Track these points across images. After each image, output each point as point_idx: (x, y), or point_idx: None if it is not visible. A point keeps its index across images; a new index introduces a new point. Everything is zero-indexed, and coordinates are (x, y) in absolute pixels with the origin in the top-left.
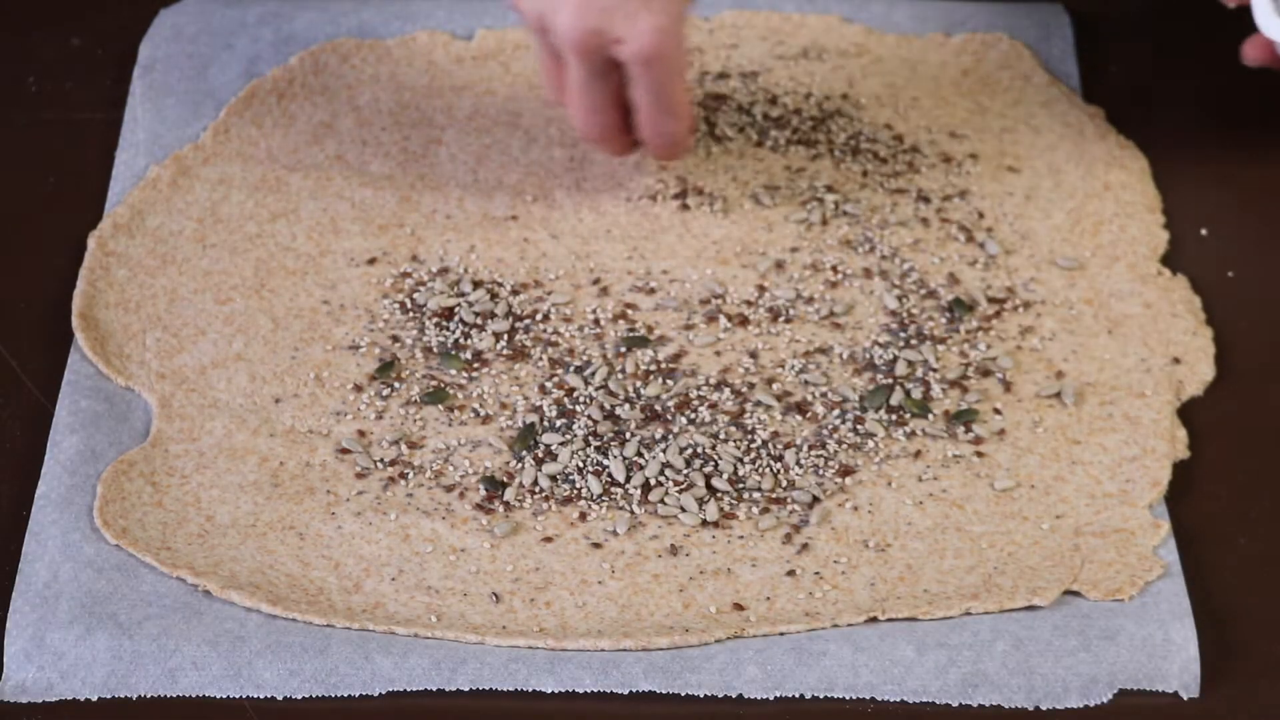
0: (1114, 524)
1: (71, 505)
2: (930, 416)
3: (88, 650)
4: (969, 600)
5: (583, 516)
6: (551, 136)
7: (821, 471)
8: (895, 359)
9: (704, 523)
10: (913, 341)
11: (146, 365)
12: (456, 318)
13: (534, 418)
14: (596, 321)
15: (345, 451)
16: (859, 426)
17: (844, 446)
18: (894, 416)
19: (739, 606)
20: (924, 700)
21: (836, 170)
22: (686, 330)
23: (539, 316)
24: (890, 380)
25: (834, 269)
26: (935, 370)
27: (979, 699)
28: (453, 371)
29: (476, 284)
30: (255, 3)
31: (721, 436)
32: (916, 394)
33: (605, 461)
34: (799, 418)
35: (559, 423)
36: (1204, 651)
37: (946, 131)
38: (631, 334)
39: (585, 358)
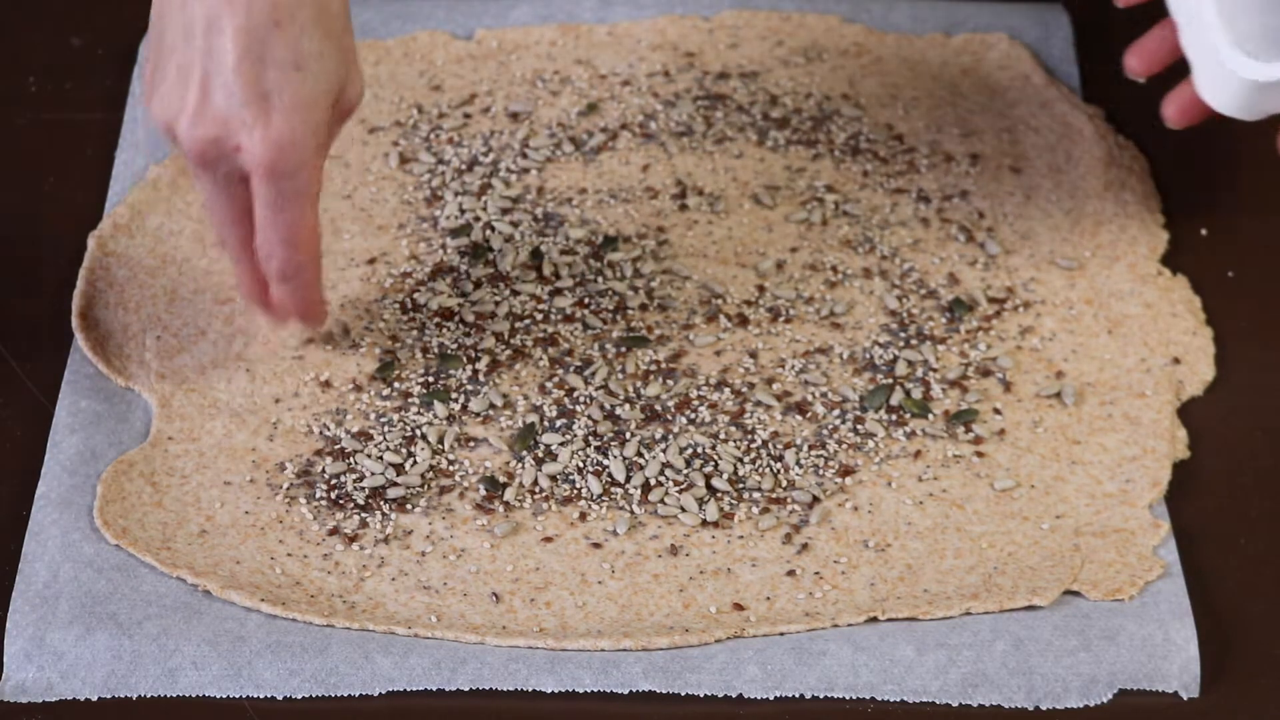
0: (1114, 524)
1: (71, 505)
2: (930, 416)
3: (88, 650)
4: (969, 600)
5: (583, 516)
6: (555, 134)
7: (821, 471)
8: (895, 359)
9: (704, 523)
10: (913, 341)
11: (146, 365)
12: (456, 318)
13: (534, 418)
14: (597, 321)
15: (345, 452)
16: (859, 426)
17: (844, 446)
18: (894, 416)
19: (739, 606)
20: (924, 700)
21: (836, 170)
22: (686, 330)
23: (539, 317)
24: (890, 380)
25: (834, 269)
26: (935, 370)
27: (979, 699)
28: (453, 372)
29: (477, 284)
30: None
31: (721, 436)
32: (916, 394)
33: (605, 461)
34: (799, 418)
35: (559, 423)
36: (1204, 651)
37: (946, 131)
38: (631, 334)
39: (585, 358)
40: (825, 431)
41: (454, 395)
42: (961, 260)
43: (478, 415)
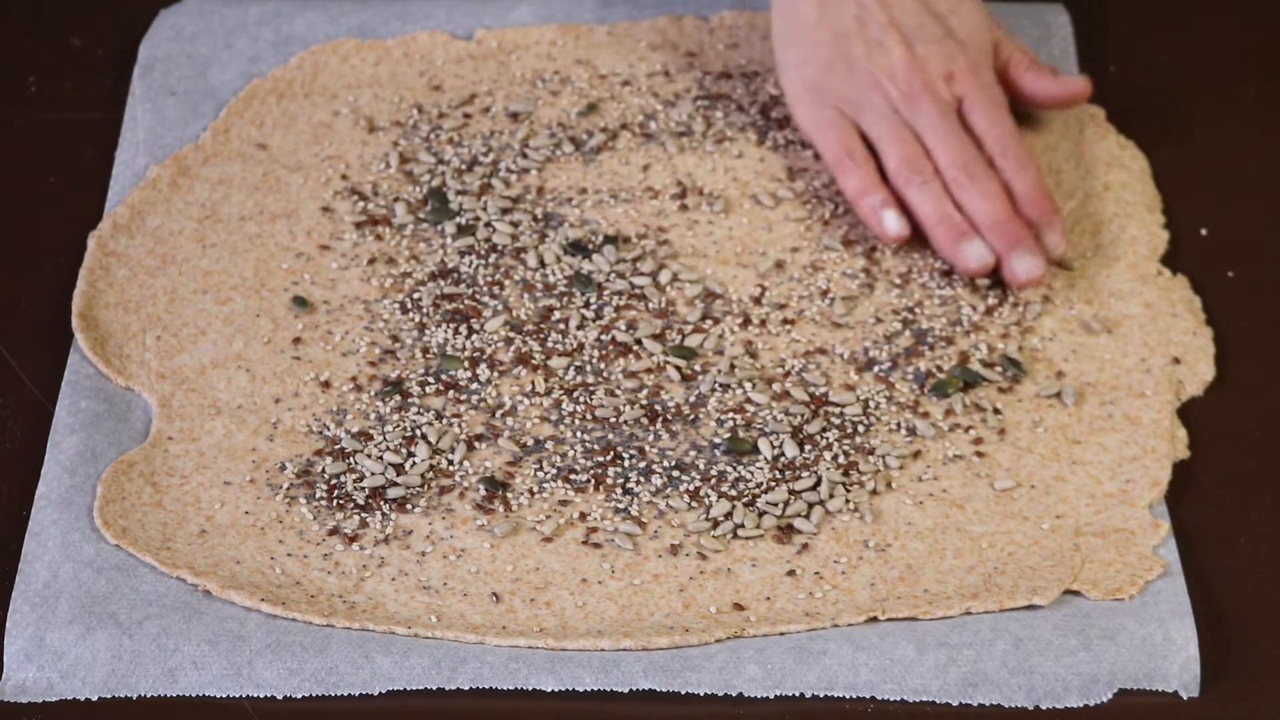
0: (1114, 524)
1: (71, 505)
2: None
3: (88, 650)
4: (969, 600)
5: (583, 516)
6: (555, 134)
7: (822, 471)
8: (896, 359)
9: (704, 522)
10: (913, 341)
11: (146, 365)
12: (456, 318)
13: (534, 417)
14: (597, 321)
15: (345, 452)
16: (859, 426)
17: (844, 447)
18: (898, 418)
19: (739, 606)
20: (924, 699)
21: None
22: (686, 330)
23: (539, 316)
24: (889, 382)
25: (834, 269)
26: (941, 370)
27: (979, 698)
28: (453, 372)
29: (477, 284)
30: (255, 3)
31: (722, 436)
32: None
33: (605, 461)
34: (799, 418)
35: (559, 423)
36: (1204, 651)
37: None
38: (632, 334)
39: (585, 358)
40: (825, 431)
41: (454, 395)
42: None
43: (478, 415)
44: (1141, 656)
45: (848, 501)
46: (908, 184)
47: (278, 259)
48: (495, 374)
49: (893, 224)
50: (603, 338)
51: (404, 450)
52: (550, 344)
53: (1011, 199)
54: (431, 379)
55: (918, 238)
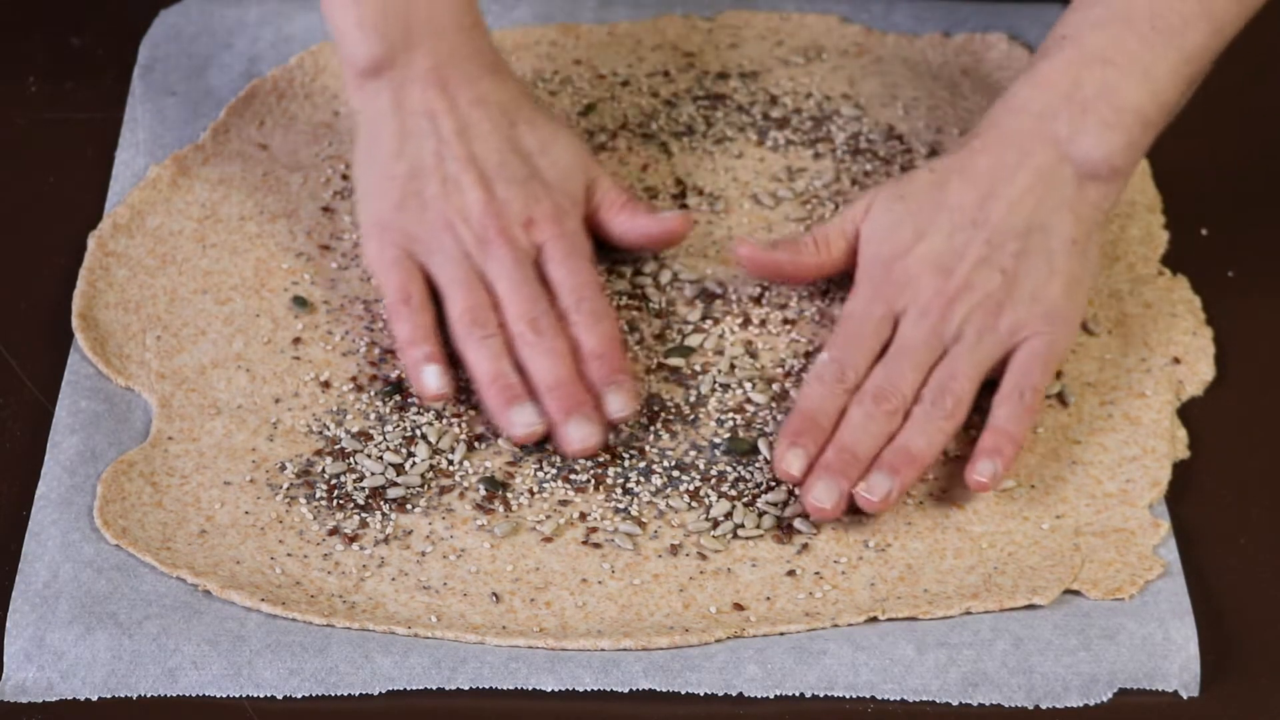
0: (1114, 524)
1: (71, 505)
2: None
3: (88, 650)
4: (969, 600)
5: (583, 516)
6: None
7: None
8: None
9: (704, 522)
10: None
11: (146, 365)
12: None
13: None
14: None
15: (345, 452)
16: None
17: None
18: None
19: (739, 606)
20: (924, 699)
21: (836, 170)
22: (686, 330)
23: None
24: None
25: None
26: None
27: (979, 698)
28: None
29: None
30: (255, 3)
31: (722, 436)
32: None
33: (605, 461)
34: None
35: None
36: (1204, 650)
37: (946, 132)
38: (632, 334)
39: (585, 358)
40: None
41: (454, 395)
42: None
43: (478, 415)
44: (1141, 656)
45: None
46: (467, 337)
47: (278, 259)
48: None
49: (432, 381)
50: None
51: (404, 450)
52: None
53: (581, 357)
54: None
55: None
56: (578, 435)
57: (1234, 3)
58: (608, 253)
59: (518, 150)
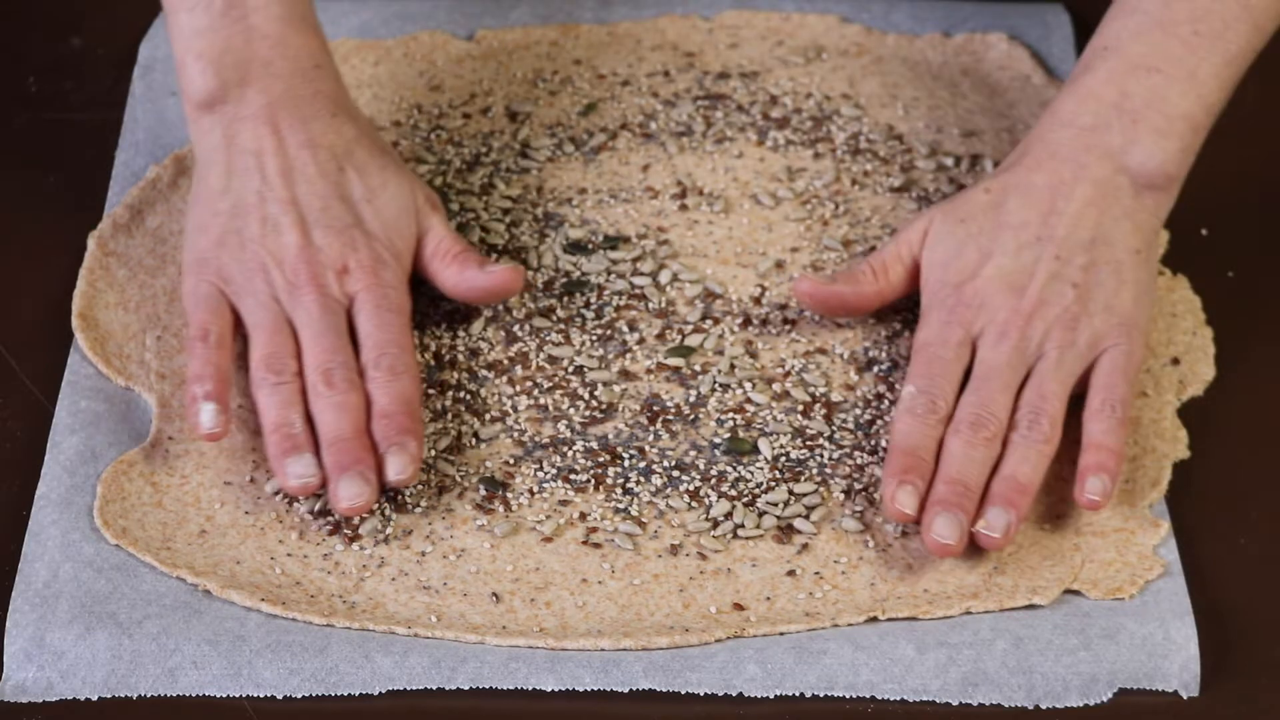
0: (1114, 523)
1: (71, 505)
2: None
3: (88, 650)
4: (969, 599)
5: (583, 516)
6: (555, 134)
7: (823, 471)
8: (896, 359)
9: (704, 522)
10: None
11: (146, 365)
12: (456, 318)
13: (534, 417)
14: (596, 321)
15: None
16: (859, 426)
17: (845, 446)
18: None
19: (739, 606)
20: (924, 699)
21: (836, 170)
22: (686, 330)
23: (539, 316)
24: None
25: (834, 269)
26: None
27: (979, 698)
28: (454, 372)
29: None
30: None
31: (722, 436)
32: None
33: (605, 461)
34: (800, 418)
35: (558, 423)
36: (1204, 650)
37: (946, 132)
38: (632, 334)
39: (584, 358)
40: (825, 431)
41: (454, 395)
42: None
43: (477, 415)
44: (1141, 656)
45: (849, 502)
46: (261, 382)
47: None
48: (495, 374)
49: (206, 420)
50: (603, 337)
51: None
52: (550, 344)
53: (372, 413)
54: (431, 379)
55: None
56: (347, 494)
57: (1274, 2)
58: (611, 249)
59: (343, 196)
